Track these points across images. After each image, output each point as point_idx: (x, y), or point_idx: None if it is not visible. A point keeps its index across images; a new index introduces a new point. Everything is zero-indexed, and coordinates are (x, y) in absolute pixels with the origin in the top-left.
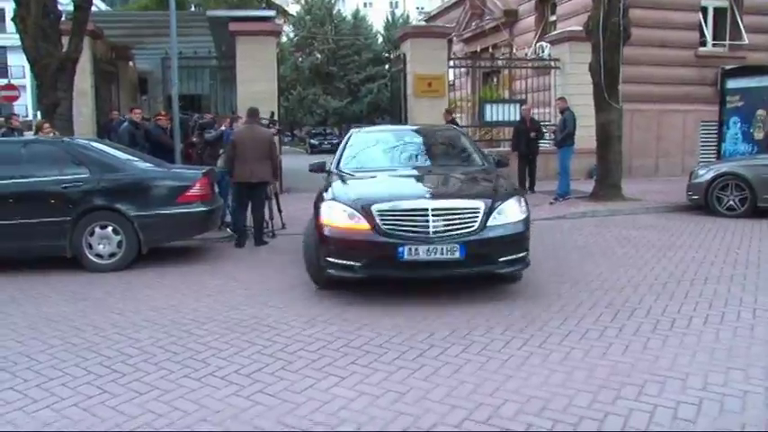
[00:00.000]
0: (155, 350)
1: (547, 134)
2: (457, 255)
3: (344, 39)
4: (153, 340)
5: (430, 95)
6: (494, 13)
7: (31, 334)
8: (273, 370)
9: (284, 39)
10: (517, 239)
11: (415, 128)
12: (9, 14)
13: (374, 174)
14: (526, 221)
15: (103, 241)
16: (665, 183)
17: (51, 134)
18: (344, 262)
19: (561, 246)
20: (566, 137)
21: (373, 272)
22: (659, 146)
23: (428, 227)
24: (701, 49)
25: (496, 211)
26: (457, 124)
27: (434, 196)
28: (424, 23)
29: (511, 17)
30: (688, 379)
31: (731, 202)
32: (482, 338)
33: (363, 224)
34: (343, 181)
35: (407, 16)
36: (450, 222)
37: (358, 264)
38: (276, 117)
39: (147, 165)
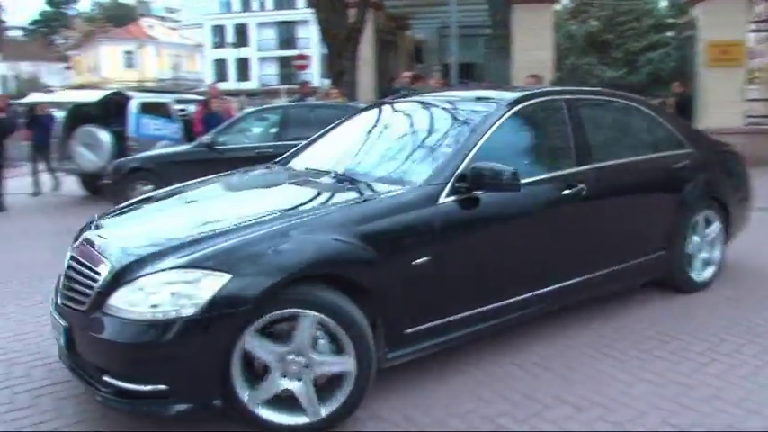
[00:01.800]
0: None
1: None
2: (62, 340)
3: (623, 4)
4: None
5: (725, 65)
6: None
7: None
8: None
9: (557, 6)
10: (132, 355)
11: (444, 99)
12: None
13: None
14: (165, 327)
15: None
16: None
17: (339, 99)
18: None
19: None
20: None
21: None
22: None
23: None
24: None
25: (133, 284)
26: None
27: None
28: None
29: None
30: None
31: None
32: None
33: None
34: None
35: None
36: (77, 284)
37: None
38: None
39: None
